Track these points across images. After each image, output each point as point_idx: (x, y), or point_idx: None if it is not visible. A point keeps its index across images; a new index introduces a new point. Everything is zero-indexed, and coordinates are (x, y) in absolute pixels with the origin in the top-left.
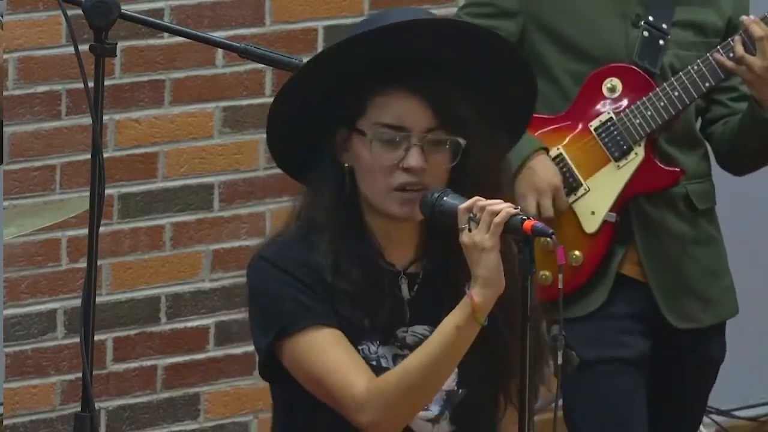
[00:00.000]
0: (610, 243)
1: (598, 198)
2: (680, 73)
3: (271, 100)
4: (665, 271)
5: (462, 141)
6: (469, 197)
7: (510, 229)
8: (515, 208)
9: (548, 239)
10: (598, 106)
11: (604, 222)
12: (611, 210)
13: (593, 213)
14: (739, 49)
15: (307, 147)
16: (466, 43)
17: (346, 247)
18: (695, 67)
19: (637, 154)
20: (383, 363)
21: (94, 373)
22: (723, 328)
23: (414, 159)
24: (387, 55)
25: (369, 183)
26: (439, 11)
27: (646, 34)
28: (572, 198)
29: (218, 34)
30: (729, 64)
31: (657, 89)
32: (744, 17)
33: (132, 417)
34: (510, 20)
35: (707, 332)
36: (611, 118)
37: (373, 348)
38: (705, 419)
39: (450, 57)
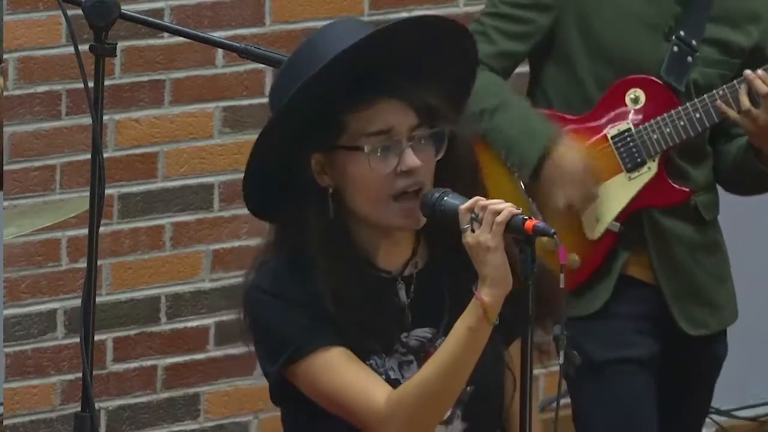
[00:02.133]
0: (610, 251)
1: (604, 206)
2: (705, 95)
3: None
4: (677, 278)
5: (445, 130)
6: (463, 190)
7: (512, 229)
8: (516, 209)
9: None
10: (619, 115)
11: (607, 230)
12: (616, 219)
13: (598, 220)
14: (745, 101)
15: (275, 184)
16: (418, 37)
17: (341, 269)
18: (720, 92)
19: (650, 169)
20: (392, 375)
21: (94, 373)
22: (725, 330)
23: (411, 159)
24: (353, 71)
25: (367, 197)
26: (439, 11)
27: (675, 49)
28: None
29: (218, 34)
30: (732, 114)
31: (679, 108)
32: (747, 72)
33: (132, 417)
34: (543, 13)
35: (714, 336)
36: (629, 128)
37: (380, 362)
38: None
39: (408, 54)
